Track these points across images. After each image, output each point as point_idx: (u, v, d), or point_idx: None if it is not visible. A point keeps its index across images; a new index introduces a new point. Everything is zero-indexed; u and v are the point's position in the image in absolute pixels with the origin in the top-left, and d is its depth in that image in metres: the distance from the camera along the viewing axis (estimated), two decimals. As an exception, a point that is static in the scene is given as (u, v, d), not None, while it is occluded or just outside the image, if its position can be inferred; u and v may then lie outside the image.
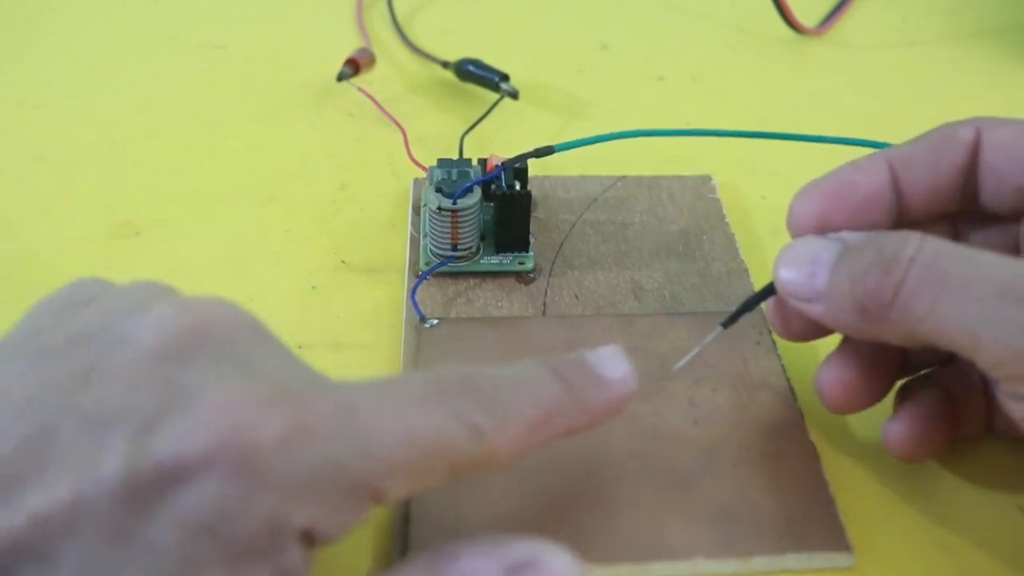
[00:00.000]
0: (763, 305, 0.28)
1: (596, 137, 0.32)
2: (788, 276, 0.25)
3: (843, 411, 0.27)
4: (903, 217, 0.27)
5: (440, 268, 0.33)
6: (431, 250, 0.33)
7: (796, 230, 0.26)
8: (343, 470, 0.19)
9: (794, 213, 0.26)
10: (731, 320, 0.28)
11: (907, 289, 0.22)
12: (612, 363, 0.24)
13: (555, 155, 0.32)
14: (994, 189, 0.26)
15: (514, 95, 0.42)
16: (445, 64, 0.45)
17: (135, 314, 0.21)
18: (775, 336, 0.30)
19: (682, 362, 0.29)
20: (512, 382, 0.22)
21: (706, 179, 0.38)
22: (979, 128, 0.26)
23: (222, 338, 0.21)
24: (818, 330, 0.27)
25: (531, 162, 0.34)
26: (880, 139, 0.32)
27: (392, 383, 0.21)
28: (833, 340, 0.27)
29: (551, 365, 0.23)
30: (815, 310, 0.25)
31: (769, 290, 0.27)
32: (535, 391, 0.22)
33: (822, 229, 0.26)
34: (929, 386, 0.27)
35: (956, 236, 0.28)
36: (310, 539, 0.20)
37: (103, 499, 0.18)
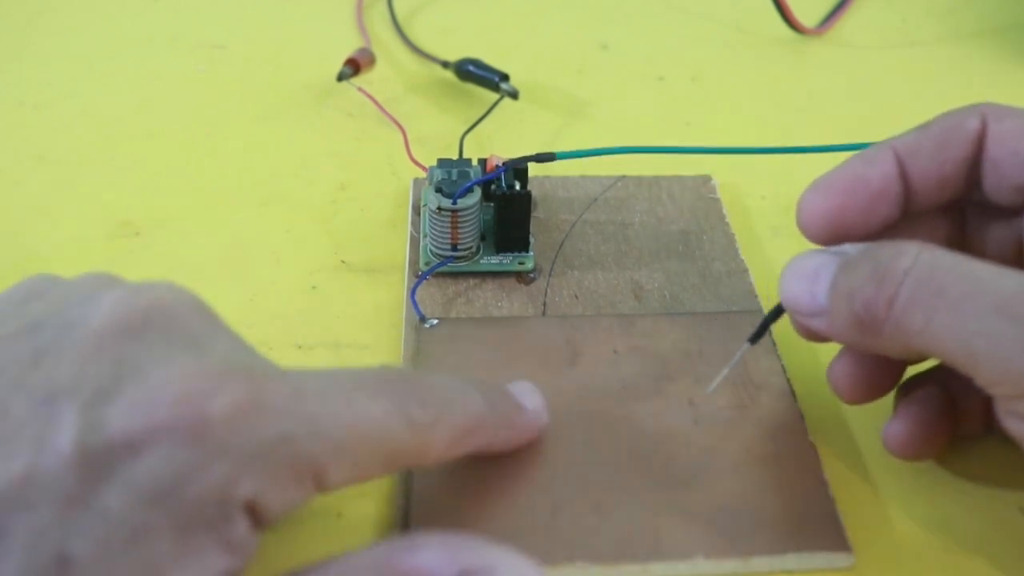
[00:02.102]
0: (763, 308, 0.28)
1: (597, 150, 0.32)
2: (791, 292, 0.25)
3: (856, 402, 0.27)
4: (910, 208, 0.26)
5: (440, 268, 0.33)
6: (431, 250, 0.33)
7: (808, 227, 0.26)
8: (291, 446, 0.20)
9: (804, 210, 0.26)
10: (758, 335, 0.28)
11: (901, 303, 0.22)
12: (529, 396, 0.27)
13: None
14: (995, 183, 0.26)
15: (514, 95, 0.42)
16: (445, 64, 0.45)
17: (87, 300, 0.21)
18: (775, 336, 0.30)
19: (714, 384, 0.28)
20: (446, 388, 0.23)
21: (706, 179, 0.38)
22: (985, 117, 0.26)
23: (174, 319, 0.21)
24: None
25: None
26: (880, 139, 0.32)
27: (339, 373, 0.22)
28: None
29: (477, 384, 0.25)
30: (818, 325, 0.25)
31: None
32: (465, 401, 0.24)
33: (835, 226, 0.26)
34: (929, 385, 0.27)
35: (962, 227, 0.28)
36: (254, 514, 0.20)
37: (56, 471, 0.18)
